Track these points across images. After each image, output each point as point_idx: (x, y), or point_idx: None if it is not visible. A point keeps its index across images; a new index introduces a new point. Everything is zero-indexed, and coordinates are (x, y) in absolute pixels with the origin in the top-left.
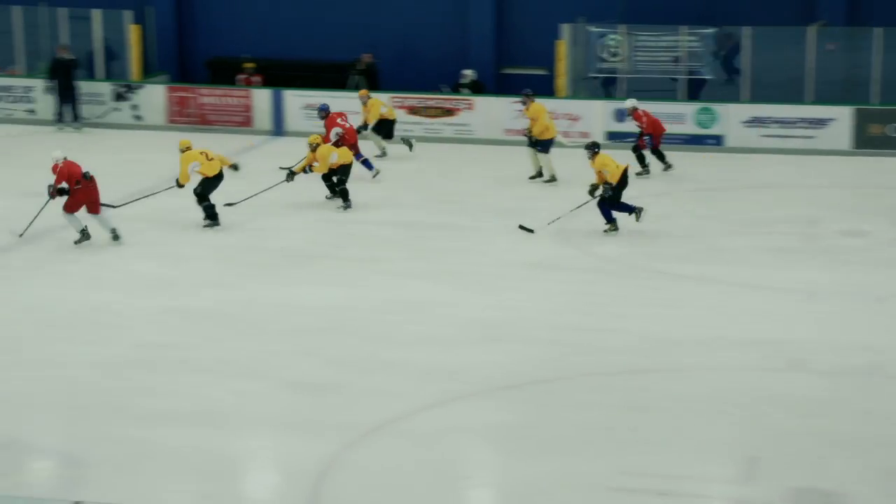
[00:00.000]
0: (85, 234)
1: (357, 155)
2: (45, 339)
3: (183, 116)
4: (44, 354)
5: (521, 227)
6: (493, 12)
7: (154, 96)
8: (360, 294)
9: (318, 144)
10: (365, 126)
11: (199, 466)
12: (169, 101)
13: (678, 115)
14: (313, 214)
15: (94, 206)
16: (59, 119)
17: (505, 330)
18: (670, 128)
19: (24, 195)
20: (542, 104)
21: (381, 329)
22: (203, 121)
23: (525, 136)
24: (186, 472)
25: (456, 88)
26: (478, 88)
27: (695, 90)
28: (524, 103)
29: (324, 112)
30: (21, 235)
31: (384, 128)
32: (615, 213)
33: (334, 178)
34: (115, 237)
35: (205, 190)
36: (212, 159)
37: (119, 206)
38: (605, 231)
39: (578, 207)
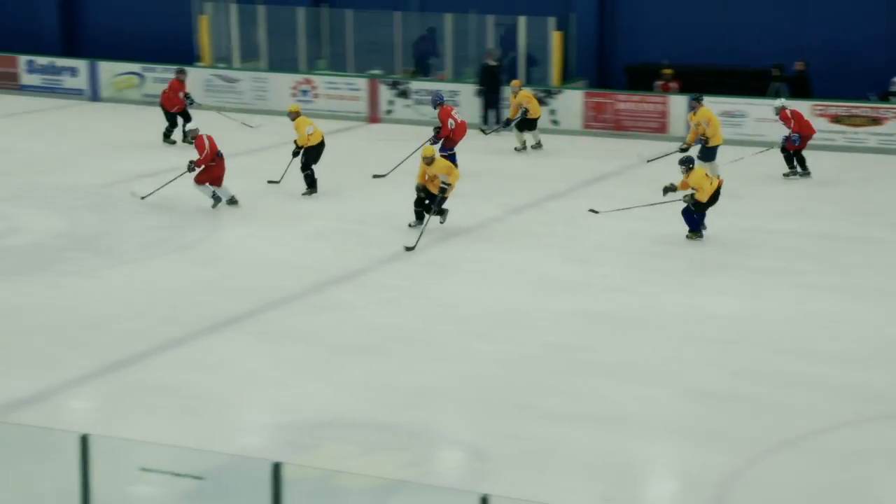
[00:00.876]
0: (216, 198)
1: (448, 150)
2: (459, 335)
3: (599, 122)
4: (457, 350)
5: (591, 210)
6: None
7: (572, 102)
8: (770, 305)
9: (432, 157)
10: (508, 122)
11: (599, 468)
12: (586, 107)
13: None
14: (724, 221)
15: (219, 181)
16: (484, 122)
17: None
18: None
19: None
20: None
21: (791, 342)
22: (618, 126)
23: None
24: (587, 473)
25: (885, 97)
26: None
27: None
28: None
29: (438, 101)
30: (143, 198)
31: (527, 123)
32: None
33: (425, 201)
34: (234, 202)
35: (308, 159)
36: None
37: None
38: (688, 237)
39: (651, 205)
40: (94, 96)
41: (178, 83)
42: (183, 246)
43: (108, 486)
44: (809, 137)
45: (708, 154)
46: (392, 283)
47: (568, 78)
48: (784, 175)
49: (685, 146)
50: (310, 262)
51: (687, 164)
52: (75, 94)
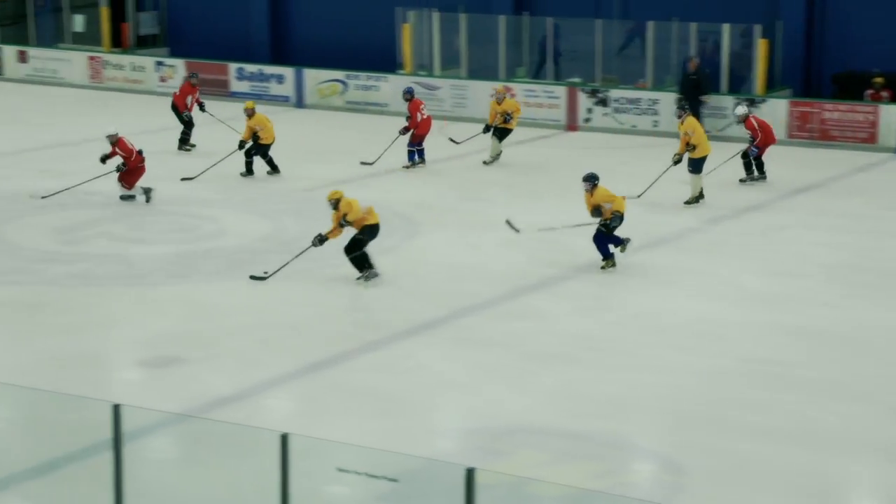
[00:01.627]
0: (147, 194)
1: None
2: (655, 346)
3: (804, 132)
4: (653, 360)
5: (508, 223)
6: None
7: (776, 110)
8: None
9: (338, 199)
10: (487, 128)
11: (797, 486)
12: (790, 116)
13: None
14: None
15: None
16: None
17: None
18: None
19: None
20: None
21: None
22: (824, 136)
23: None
24: (785, 490)
25: None
26: None
27: None
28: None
29: (409, 95)
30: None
31: (503, 133)
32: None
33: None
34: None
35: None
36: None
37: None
38: (603, 268)
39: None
40: (299, 103)
41: (190, 86)
42: (380, 251)
43: (305, 484)
44: (768, 145)
45: (695, 165)
46: (588, 292)
47: (772, 86)
48: (740, 181)
49: (677, 157)
50: (504, 268)
51: (591, 180)
52: (281, 100)
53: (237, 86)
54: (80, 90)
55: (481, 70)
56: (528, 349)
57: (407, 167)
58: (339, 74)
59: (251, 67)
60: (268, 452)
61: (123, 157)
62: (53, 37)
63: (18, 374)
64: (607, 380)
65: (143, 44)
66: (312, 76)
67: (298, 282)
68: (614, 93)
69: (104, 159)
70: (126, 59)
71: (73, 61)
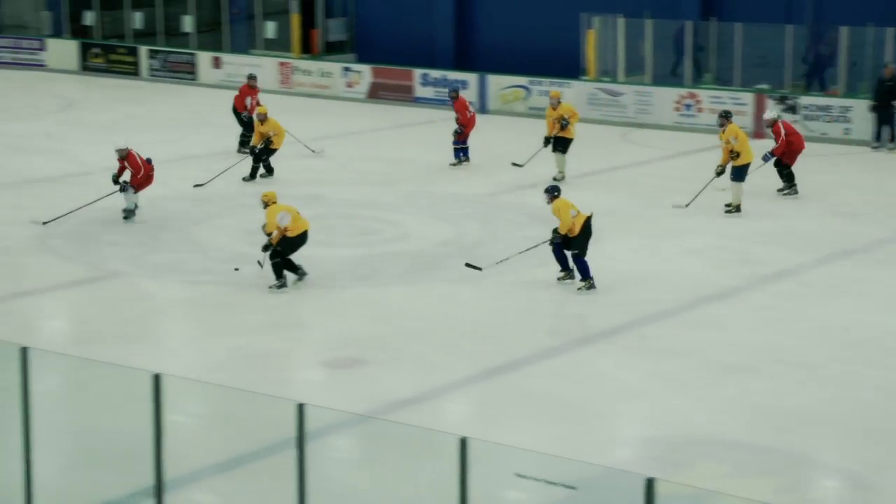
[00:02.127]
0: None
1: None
2: (842, 359)
3: None
4: (839, 374)
5: (468, 265)
6: None
7: None
8: None
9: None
10: (548, 140)
11: None
12: None
13: None
14: None
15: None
16: (877, 138)
17: None
18: None
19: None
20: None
21: None
22: None
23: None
24: None
25: None
26: None
27: None
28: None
29: (454, 94)
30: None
31: (560, 144)
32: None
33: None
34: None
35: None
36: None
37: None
38: (580, 289)
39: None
40: (483, 108)
41: (248, 88)
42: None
43: (482, 488)
44: (796, 153)
45: (738, 173)
46: (773, 303)
47: None
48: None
49: (720, 168)
50: (686, 277)
51: (550, 192)
52: None
53: (421, 91)
54: (271, 95)
55: (666, 76)
56: (709, 359)
57: (454, 164)
58: (522, 80)
59: (435, 73)
60: (446, 455)
61: (133, 171)
62: (246, 43)
63: (208, 371)
64: (791, 392)
65: (332, 50)
66: (495, 82)
67: (480, 286)
68: (804, 100)
69: (115, 178)
70: (315, 65)
71: (264, 66)
